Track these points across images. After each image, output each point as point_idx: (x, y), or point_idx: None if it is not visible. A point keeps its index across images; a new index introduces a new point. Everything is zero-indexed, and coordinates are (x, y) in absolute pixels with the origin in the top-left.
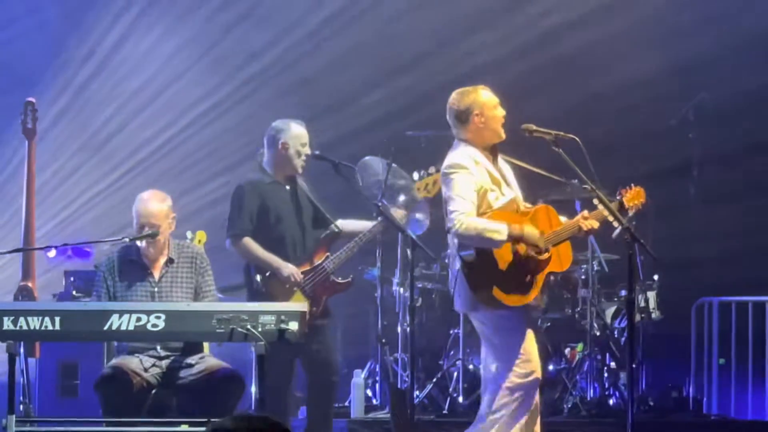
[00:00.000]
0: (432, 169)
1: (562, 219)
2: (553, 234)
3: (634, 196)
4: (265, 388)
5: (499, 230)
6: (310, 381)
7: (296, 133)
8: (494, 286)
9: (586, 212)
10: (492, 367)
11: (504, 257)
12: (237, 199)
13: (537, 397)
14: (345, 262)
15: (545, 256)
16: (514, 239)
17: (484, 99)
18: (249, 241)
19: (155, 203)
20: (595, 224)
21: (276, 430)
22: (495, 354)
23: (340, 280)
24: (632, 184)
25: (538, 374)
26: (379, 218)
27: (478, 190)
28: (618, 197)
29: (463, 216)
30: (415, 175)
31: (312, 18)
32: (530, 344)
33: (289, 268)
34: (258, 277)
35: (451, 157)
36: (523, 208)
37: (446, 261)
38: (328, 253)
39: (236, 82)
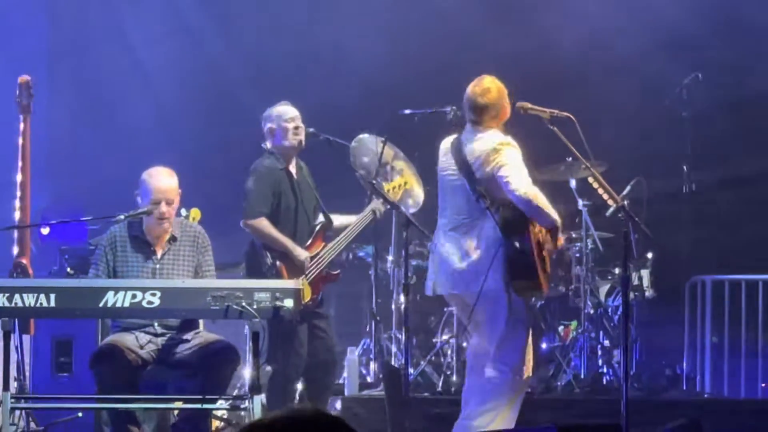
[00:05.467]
0: (398, 166)
1: None
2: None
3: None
4: (276, 370)
5: (554, 211)
6: (310, 364)
7: (278, 112)
8: (540, 273)
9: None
10: (491, 364)
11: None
12: (254, 181)
13: None
14: (340, 253)
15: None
16: (558, 228)
17: (506, 91)
18: (265, 222)
19: (168, 178)
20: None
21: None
22: (500, 348)
23: (332, 271)
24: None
25: (530, 373)
26: (371, 205)
27: None
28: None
29: (528, 184)
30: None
31: None
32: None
33: (304, 252)
34: (269, 258)
35: (495, 137)
36: None
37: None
38: (323, 243)
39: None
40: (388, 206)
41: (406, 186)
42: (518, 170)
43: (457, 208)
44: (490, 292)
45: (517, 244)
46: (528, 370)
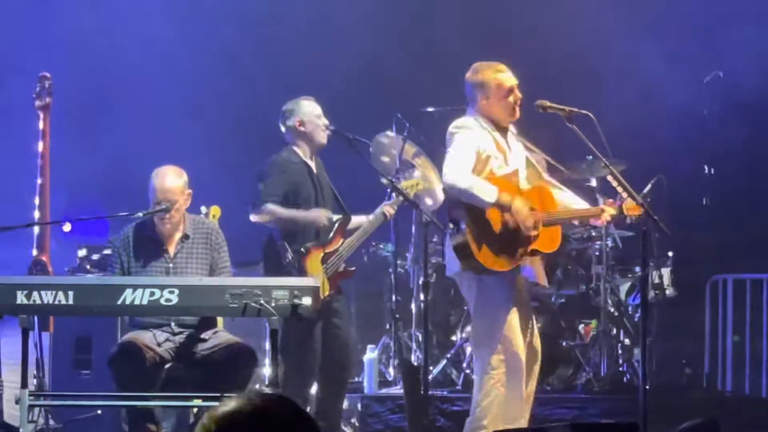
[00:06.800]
0: (419, 163)
1: (561, 196)
2: (546, 214)
3: (632, 208)
4: (289, 367)
5: (489, 192)
6: (325, 361)
7: (308, 108)
8: (484, 245)
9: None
10: (475, 346)
11: (495, 223)
12: (266, 174)
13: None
14: (356, 250)
15: (534, 232)
16: (502, 207)
17: (500, 79)
18: (272, 206)
19: (172, 178)
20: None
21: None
22: (476, 330)
23: (348, 267)
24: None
25: (522, 356)
26: (381, 207)
27: (479, 152)
28: (618, 203)
29: (456, 170)
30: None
31: None
32: (514, 322)
33: (320, 210)
34: (289, 254)
35: (458, 120)
36: (521, 185)
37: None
38: (342, 239)
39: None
40: (408, 203)
41: (418, 187)
42: (455, 157)
43: None
44: (454, 273)
45: (452, 222)
46: (512, 347)
